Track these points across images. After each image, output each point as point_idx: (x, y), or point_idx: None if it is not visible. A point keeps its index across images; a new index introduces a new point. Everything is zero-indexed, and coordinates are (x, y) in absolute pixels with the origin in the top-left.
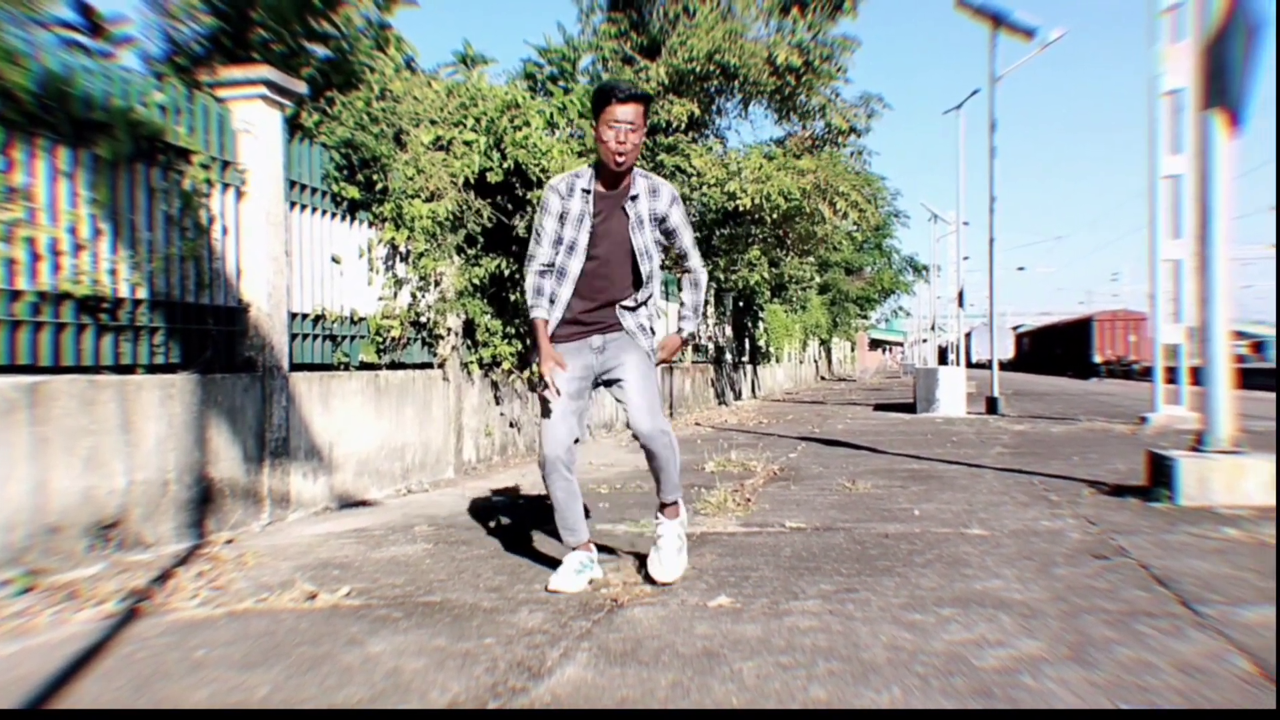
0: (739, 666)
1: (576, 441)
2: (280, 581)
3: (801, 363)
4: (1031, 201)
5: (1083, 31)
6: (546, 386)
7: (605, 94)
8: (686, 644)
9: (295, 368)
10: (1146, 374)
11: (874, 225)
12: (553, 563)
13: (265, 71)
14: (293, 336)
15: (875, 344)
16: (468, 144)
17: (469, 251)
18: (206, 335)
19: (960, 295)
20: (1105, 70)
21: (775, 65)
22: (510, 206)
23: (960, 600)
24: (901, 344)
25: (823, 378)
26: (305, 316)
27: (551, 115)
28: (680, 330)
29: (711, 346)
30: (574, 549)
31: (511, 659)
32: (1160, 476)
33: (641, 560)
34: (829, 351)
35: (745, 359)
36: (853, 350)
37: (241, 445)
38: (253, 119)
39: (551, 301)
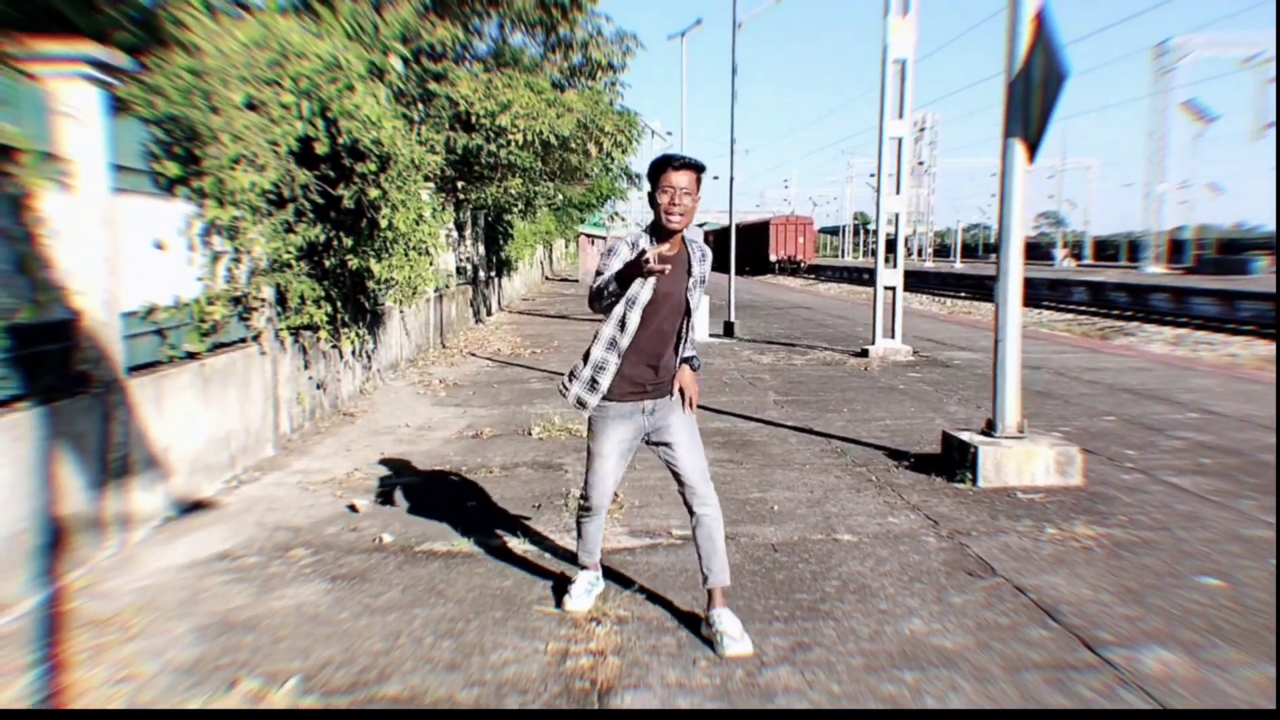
0: None
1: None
2: (192, 663)
3: (531, 266)
4: (723, 116)
5: None
6: (662, 259)
7: (663, 163)
8: None
9: (129, 371)
10: (810, 270)
11: (624, 166)
12: (474, 600)
13: (89, 48)
14: (124, 338)
15: (588, 239)
16: (285, 107)
17: (283, 218)
18: (43, 357)
19: None
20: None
21: None
22: (334, 175)
23: (908, 658)
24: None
25: (547, 278)
26: (134, 314)
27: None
28: (692, 365)
29: (469, 267)
30: (586, 567)
31: None
32: (955, 454)
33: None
34: (550, 251)
35: (494, 273)
36: (567, 248)
37: (87, 473)
38: (76, 102)
39: (611, 347)
